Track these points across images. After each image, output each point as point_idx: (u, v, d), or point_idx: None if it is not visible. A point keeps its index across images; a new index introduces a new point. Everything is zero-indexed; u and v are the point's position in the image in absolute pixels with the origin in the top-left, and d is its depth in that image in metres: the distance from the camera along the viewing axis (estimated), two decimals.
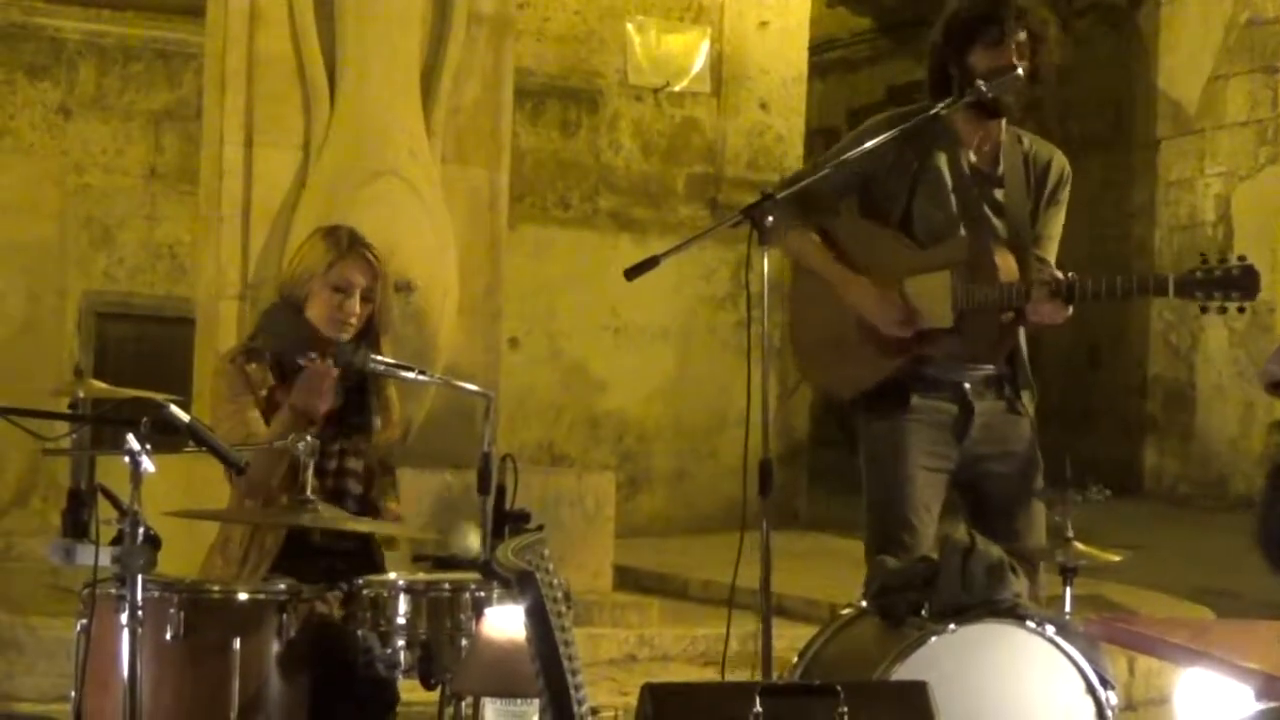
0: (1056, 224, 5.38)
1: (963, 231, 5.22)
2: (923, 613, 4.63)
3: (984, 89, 5.04)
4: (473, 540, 4.65)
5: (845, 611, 4.90)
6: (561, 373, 11.24)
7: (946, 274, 5.16)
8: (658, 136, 11.62)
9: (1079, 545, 4.83)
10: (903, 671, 4.42)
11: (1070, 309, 5.04)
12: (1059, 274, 5.08)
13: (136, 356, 9.68)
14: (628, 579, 8.41)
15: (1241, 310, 4.87)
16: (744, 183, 11.32)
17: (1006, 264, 5.15)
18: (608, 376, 11.39)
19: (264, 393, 4.87)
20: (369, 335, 4.96)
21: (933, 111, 5.11)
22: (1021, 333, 5.28)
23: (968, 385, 5.25)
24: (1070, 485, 4.82)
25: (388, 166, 7.15)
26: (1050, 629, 4.55)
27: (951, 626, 4.51)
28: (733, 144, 11.79)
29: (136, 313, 10.15)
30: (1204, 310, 4.93)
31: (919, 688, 4.13)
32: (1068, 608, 4.81)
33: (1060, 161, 5.38)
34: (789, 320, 5.57)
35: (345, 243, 4.98)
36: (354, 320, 4.91)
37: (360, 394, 5.01)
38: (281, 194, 7.11)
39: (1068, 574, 4.86)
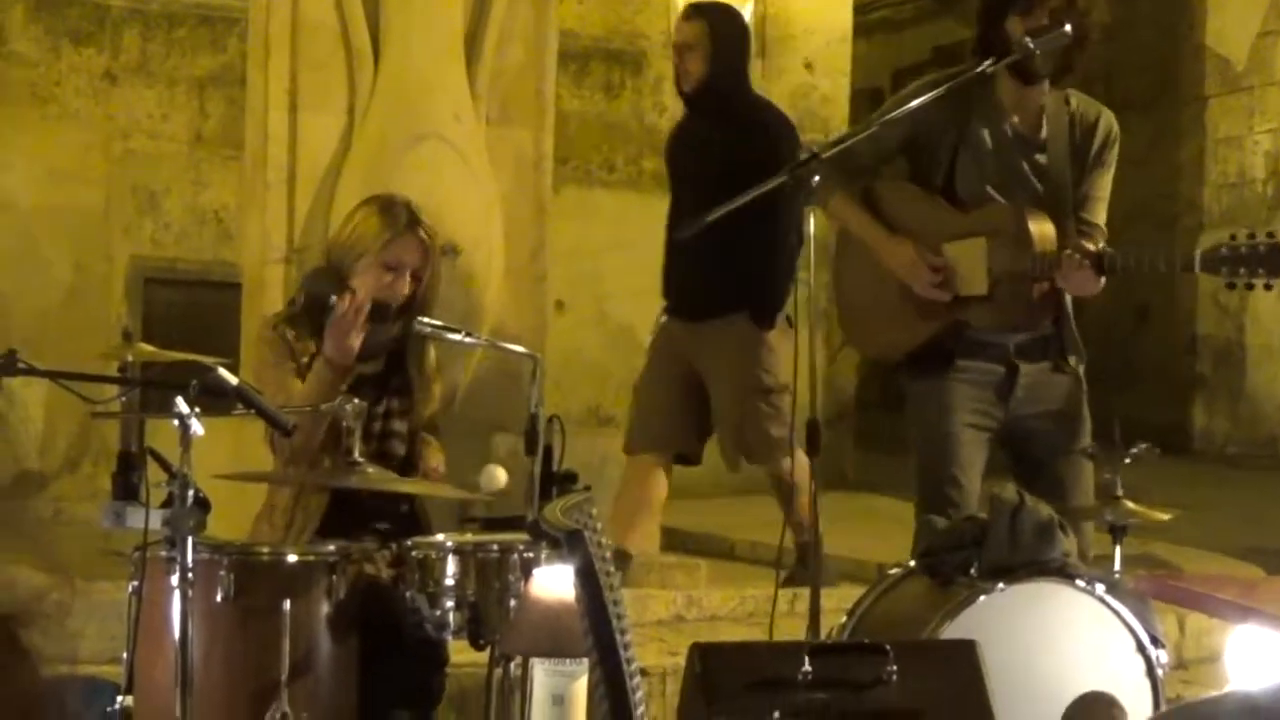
0: (1104, 185, 5.34)
1: (999, 196, 5.21)
2: (971, 572, 4.62)
3: (1031, 45, 5.02)
4: (499, 478, 4.67)
5: (893, 571, 4.90)
6: (608, 335, 11.22)
7: (982, 241, 5.15)
8: None
9: (1128, 504, 4.82)
10: (952, 630, 4.41)
11: (1103, 280, 5.03)
12: (1089, 246, 5.07)
13: (184, 320, 9.70)
14: (675, 540, 8.41)
15: (1269, 288, 4.83)
16: None
17: (1042, 231, 5.13)
18: None
19: (305, 360, 4.85)
20: (413, 308, 4.94)
21: (979, 70, 5.09)
22: (1068, 296, 5.26)
23: (1012, 346, 5.25)
24: (1119, 445, 4.81)
25: (432, 130, 7.13)
26: (1100, 587, 4.53)
27: (1000, 585, 4.50)
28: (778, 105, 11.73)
29: (183, 278, 10.17)
30: (1230, 286, 4.91)
31: (968, 646, 4.13)
32: (1117, 566, 4.79)
33: (1108, 121, 5.34)
34: (833, 283, 5.58)
35: (403, 220, 4.93)
36: (400, 299, 4.91)
37: (402, 359, 5.01)
38: (326, 159, 7.09)
39: (1117, 533, 4.85)
